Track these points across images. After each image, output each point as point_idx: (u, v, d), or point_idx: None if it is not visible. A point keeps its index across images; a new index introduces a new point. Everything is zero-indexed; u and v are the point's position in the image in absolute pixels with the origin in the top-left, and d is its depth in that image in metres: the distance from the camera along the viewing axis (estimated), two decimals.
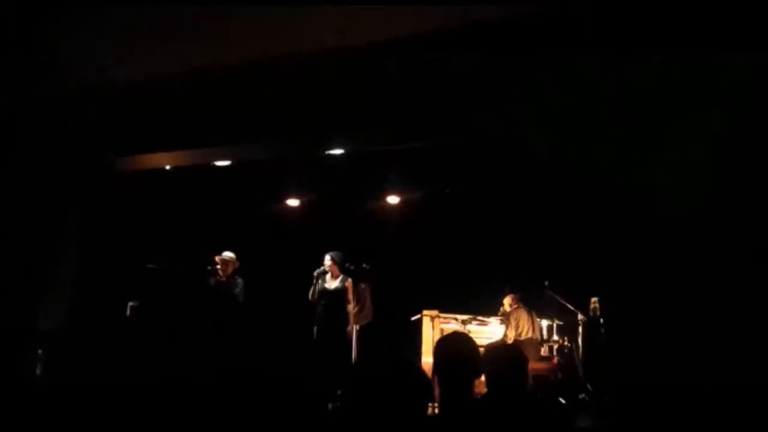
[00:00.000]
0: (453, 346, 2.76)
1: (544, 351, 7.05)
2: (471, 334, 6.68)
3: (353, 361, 6.69)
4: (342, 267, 7.00)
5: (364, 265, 7.06)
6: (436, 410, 3.42)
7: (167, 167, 6.39)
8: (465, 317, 7.16)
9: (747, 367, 4.14)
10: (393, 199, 7.94)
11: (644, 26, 4.17)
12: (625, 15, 4.13)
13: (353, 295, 6.94)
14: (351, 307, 6.86)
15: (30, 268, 5.60)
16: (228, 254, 7.03)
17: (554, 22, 4.24)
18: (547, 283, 7.07)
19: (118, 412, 1.98)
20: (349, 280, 6.94)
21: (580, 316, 6.89)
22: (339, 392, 1.95)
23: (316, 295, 6.99)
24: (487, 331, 7.19)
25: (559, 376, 6.74)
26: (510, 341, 6.71)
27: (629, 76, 4.36)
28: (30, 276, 5.59)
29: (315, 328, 6.90)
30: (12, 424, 2.07)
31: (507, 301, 7.11)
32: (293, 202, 8.16)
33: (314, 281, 7.02)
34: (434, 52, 4.63)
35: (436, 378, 2.68)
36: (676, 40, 4.15)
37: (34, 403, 2.17)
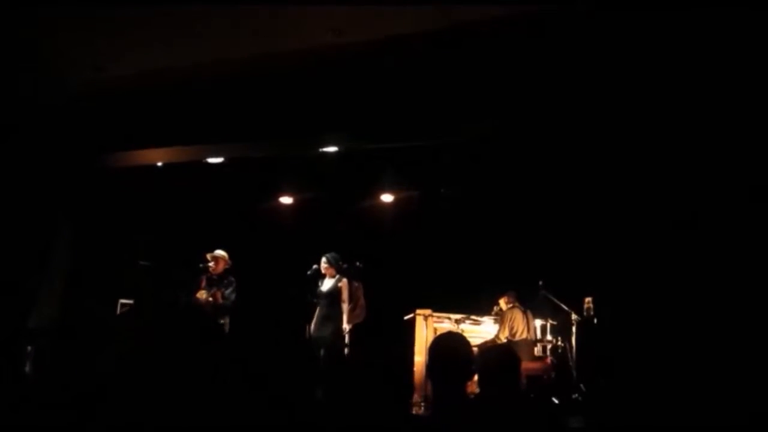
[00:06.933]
0: (448, 345, 2.74)
1: (537, 351, 7.04)
2: (464, 334, 6.71)
3: (345, 360, 6.66)
4: (337, 267, 6.99)
5: (358, 264, 7.04)
6: (428, 410, 3.39)
7: (159, 164, 6.34)
8: (458, 316, 7.15)
9: (743, 367, 4.13)
10: (387, 198, 7.93)
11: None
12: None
13: (348, 293, 6.93)
14: (346, 306, 6.84)
15: (21, 266, 5.56)
16: (219, 252, 6.98)
17: (550, 23, 4.23)
18: (541, 282, 7.07)
19: (108, 409, 1.95)
20: (344, 280, 6.92)
21: (574, 316, 6.89)
22: (326, 389, 1.93)
23: (313, 296, 7.00)
24: (481, 331, 7.19)
25: (553, 376, 6.74)
26: (500, 342, 6.70)
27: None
28: (21, 273, 5.55)
29: (309, 327, 6.88)
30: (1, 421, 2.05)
31: (503, 300, 7.10)
32: (287, 200, 8.13)
33: (313, 282, 7.02)
34: (430, 52, 4.62)
35: (428, 378, 2.66)
36: None
37: (24, 399, 2.13)
